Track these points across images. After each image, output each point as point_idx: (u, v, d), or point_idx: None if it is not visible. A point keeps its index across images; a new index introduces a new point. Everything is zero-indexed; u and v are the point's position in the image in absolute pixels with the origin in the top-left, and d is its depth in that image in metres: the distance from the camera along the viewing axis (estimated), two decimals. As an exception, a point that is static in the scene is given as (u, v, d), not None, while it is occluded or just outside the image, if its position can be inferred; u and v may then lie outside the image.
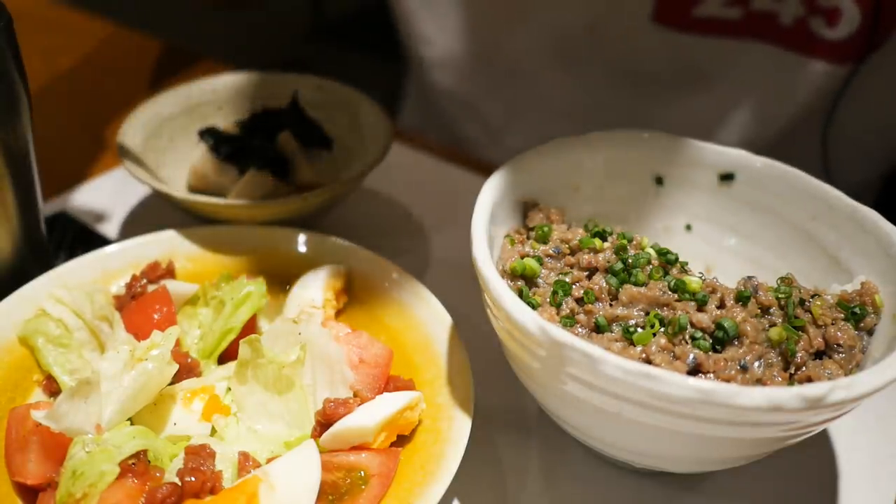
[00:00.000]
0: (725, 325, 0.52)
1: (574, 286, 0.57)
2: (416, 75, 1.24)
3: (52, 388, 0.60)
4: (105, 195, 0.90)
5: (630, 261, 0.57)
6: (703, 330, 0.53)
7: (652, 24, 0.96)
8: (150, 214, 0.86)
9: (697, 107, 1.03)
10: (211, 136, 0.81)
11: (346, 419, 0.55)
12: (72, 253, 0.80)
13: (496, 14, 1.06)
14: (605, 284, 0.56)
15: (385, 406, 0.55)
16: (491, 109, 1.15)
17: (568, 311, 0.55)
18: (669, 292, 0.55)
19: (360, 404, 0.56)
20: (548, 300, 0.56)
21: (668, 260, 0.59)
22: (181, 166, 0.83)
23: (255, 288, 0.64)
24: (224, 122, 0.86)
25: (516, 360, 0.54)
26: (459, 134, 1.20)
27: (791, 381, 0.52)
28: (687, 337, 0.52)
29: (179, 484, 0.50)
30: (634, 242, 0.60)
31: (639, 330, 0.53)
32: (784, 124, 1.00)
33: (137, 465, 0.51)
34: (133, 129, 0.80)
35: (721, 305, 0.55)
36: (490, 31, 1.08)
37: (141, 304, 0.63)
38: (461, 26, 1.10)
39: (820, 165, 1.00)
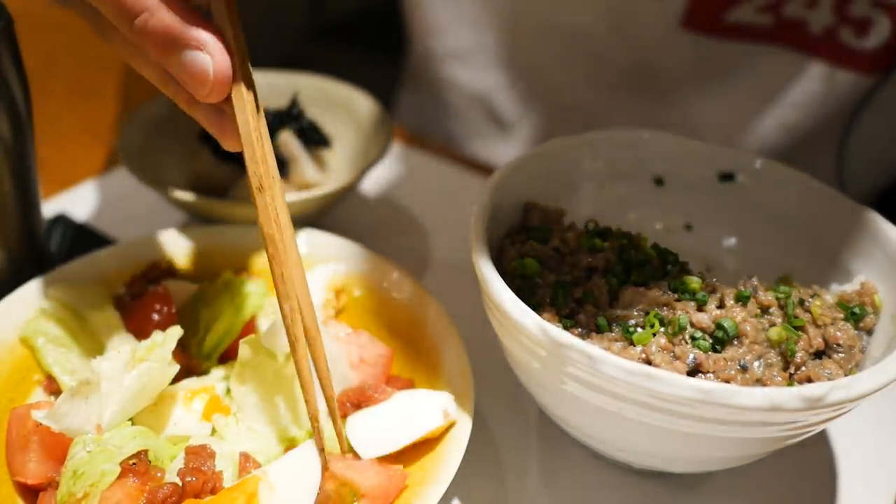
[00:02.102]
0: (725, 325, 0.52)
1: (574, 286, 0.57)
2: (420, 68, 1.23)
3: (53, 388, 0.60)
4: (105, 195, 0.90)
5: (630, 261, 0.57)
6: (702, 330, 0.53)
7: (679, 27, 0.96)
8: (150, 214, 0.86)
9: (715, 111, 1.02)
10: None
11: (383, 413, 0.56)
12: (72, 253, 0.80)
13: (515, 8, 1.06)
14: (605, 284, 0.56)
15: (424, 422, 0.55)
16: (503, 103, 1.15)
17: (568, 311, 0.55)
18: (669, 292, 0.55)
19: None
20: (548, 300, 0.56)
21: (668, 260, 0.59)
22: (181, 166, 0.83)
23: (255, 288, 0.64)
24: (224, 122, 0.86)
25: (516, 360, 0.54)
26: (468, 127, 1.19)
27: (791, 381, 0.52)
28: (687, 337, 0.52)
29: (180, 484, 0.50)
30: (634, 242, 0.60)
31: (639, 330, 0.53)
32: (803, 133, 0.99)
33: (138, 465, 0.51)
34: (133, 129, 0.80)
35: (721, 305, 0.55)
36: (507, 24, 1.08)
37: (141, 305, 0.63)
38: (478, 19, 1.09)
39: (834, 175, 1.00)
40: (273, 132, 0.81)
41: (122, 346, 0.59)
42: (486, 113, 1.16)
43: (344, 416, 0.56)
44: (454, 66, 1.15)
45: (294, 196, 0.71)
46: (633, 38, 0.99)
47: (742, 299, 0.55)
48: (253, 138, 0.49)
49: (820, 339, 0.54)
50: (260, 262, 0.71)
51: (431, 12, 1.12)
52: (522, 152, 0.64)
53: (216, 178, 0.80)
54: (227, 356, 0.63)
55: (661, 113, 1.04)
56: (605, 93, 1.06)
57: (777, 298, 0.55)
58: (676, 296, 0.55)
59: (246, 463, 0.53)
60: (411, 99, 1.31)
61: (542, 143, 0.65)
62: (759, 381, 0.51)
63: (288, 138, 0.80)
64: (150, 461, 0.52)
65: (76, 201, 0.88)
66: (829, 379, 0.51)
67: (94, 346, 0.62)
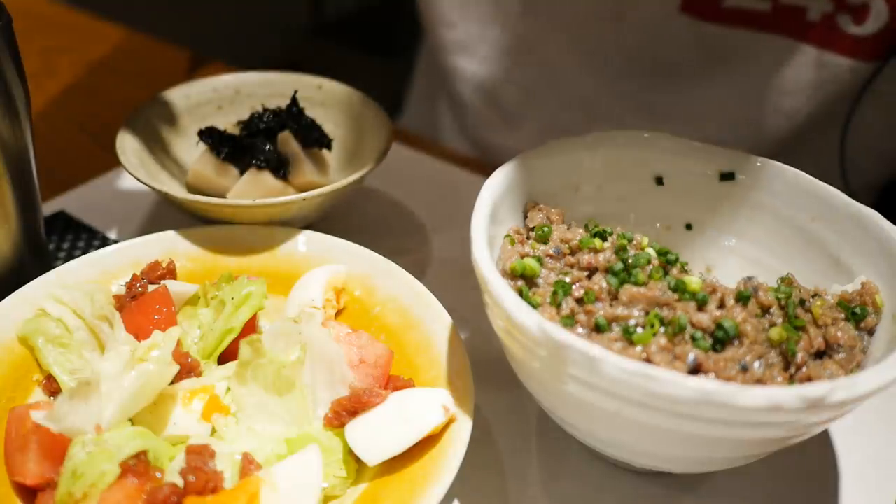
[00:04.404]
0: (725, 325, 0.52)
1: (574, 286, 0.57)
2: (432, 59, 1.24)
3: (52, 387, 0.60)
4: (105, 195, 0.90)
5: (630, 261, 0.57)
6: (703, 330, 0.52)
7: (679, 13, 0.96)
8: (150, 214, 0.86)
9: (716, 98, 1.02)
10: (211, 136, 0.81)
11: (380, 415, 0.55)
12: (72, 253, 0.80)
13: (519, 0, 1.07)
14: (605, 284, 0.56)
15: (425, 420, 0.55)
16: (509, 94, 1.16)
17: (568, 311, 0.55)
18: (669, 292, 0.55)
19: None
20: (548, 300, 0.56)
21: (668, 260, 0.59)
22: (181, 167, 0.83)
23: (255, 288, 0.64)
24: (224, 122, 0.86)
25: (516, 360, 0.54)
26: (476, 118, 1.20)
27: (791, 381, 0.52)
28: (687, 337, 0.52)
29: (181, 484, 0.50)
30: (634, 242, 0.60)
31: (639, 330, 0.53)
32: (803, 121, 0.99)
33: (138, 465, 0.51)
34: (133, 130, 0.80)
35: (721, 305, 0.55)
36: (512, 16, 1.09)
37: (141, 305, 0.63)
38: (484, 11, 1.10)
39: (837, 165, 1.00)
40: (273, 132, 0.81)
41: (122, 346, 0.59)
42: (492, 103, 1.17)
43: (341, 426, 0.56)
44: (462, 58, 1.16)
45: (294, 196, 0.71)
46: (634, 25, 1.00)
47: (742, 299, 0.55)
48: None
49: (821, 340, 0.53)
50: (260, 262, 0.71)
51: (440, 5, 1.13)
52: (527, 146, 0.64)
53: (216, 178, 0.80)
54: (227, 356, 0.63)
55: (663, 101, 1.04)
56: (609, 81, 1.06)
57: (778, 298, 0.55)
58: (676, 296, 0.55)
59: (249, 464, 0.53)
60: (423, 91, 1.32)
61: (543, 143, 0.65)
62: (760, 382, 0.51)
63: (288, 138, 0.80)
64: (149, 461, 0.52)
65: (76, 201, 0.88)
66: (829, 379, 0.51)
67: (94, 346, 0.62)
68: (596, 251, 0.58)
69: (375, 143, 0.80)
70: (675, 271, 0.59)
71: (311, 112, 0.85)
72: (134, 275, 0.66)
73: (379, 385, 0.59)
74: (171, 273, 0.68)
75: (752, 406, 0.43)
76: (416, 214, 0.89)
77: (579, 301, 0.56)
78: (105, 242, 0.81)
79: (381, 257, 0.69)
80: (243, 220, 0.73)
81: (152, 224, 0.84)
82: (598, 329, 0.54)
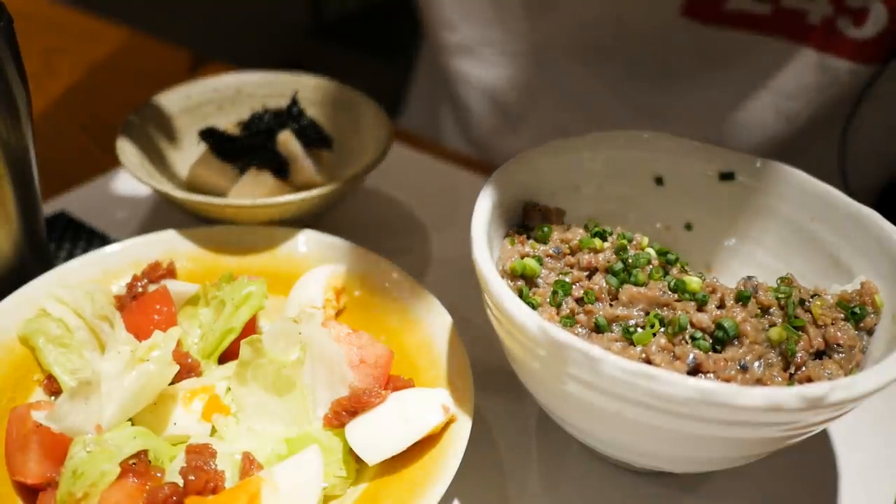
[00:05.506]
0: (725, 325, 0.52)
1: (574, 286, 0.57)
2: (433, 61, 1.24)
3: (53, 387, 0.60)
4: (105, 195, 0.90)
5: (630, 261, 0.57)
6: (703, 330, 0.53)
7: (680, 16, 0.96)
8: (150, 214, 0.86)
9: (716, 101, 1.02)
10: (211, 136, 0.81)
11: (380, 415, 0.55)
12: (72, 253, 0.80)
13: (521, 3, 1.07)
14: (605, 284, 0.56)
15: (425, 420, 0.55)
16: (510, 97, 1.16)
17: (568, 311, 0.55)
18: (669, 292, 0.55)
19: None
20: (548, 300, 0.56)
21: (668, 260, 0.59)
22: (181, 166, 0.83)
23: (255, 288, 0.64)
24: (224, 122, 0.86)
25: (516, 360, 0.54)
26: (477, 120, 1.20)
27: (791, 381, 0.52)
28: (687, 337, 0.52)
29: (181, 483, 0.50)
30: (634, 242, 0.60)
31: (639, 330, 0.53)
32: (804, 124, 0.99)
33: (138, 465, 0.51)
34: (134, 130, 0.80)
35: (721, 305, 0.55)
36: (514, 19, 1.09)
37: (142, 305, 0.63)
38: (485, 14, 1.10)
39: (837, 168, 1.00)
40: (273, 132, 0.81)
41: (122, 346, 0.59)
42: (494, 106, 1.17)
43: (341, 426, 0.56)
44: (463, 60, 1.16)
45: (294, 196, 0.71)
46: (636, 28, 1.00)
47: (742, 299, 0.55)
48: None
49: (820, 339, 0.54)
50: (260, 262, 0.71)
51: (441, 8, 1.13)
52: (528, 147, 0.64)
53: (216, 178, 0.80)
54: (227, 356, 0.63)
55: (665, 103, 1.04)
56: (610, 84, 1.06)
57: (777, 298, 0.55)
58: (676, 296, 0.55)
59: (249, 464, 0.53)
60: (424, 91, 1.32)
61: (543, 143, 0.65)
62: (760, 381, 0.51)
63: (288, 138, 0.81)
64: (150, 461, 0.52)
65: (76, 201, 0.88)
66: (829, 379, 0.51)
67: (94, 346, 0.62)
68: (596, 251, 0.58)
69: (375, 143, 0.80)
70: (675, 271, 0.59)
71: (311, 112, 0.85)
72: (134, 275, 0.67)
73: (379, 385, 0.59)
74: (171, 273, 0.68)
75: (752, 406, 0.43)
76: (416, 214, 0.89)
77: (579, 301, 0.56)
78: (105, 242, 0.81)
79: (381, 257, 0.69)
80: (243, 220, 0.73)
81: (152, 224, 0.84)
82: (598, 329, 0.54)
